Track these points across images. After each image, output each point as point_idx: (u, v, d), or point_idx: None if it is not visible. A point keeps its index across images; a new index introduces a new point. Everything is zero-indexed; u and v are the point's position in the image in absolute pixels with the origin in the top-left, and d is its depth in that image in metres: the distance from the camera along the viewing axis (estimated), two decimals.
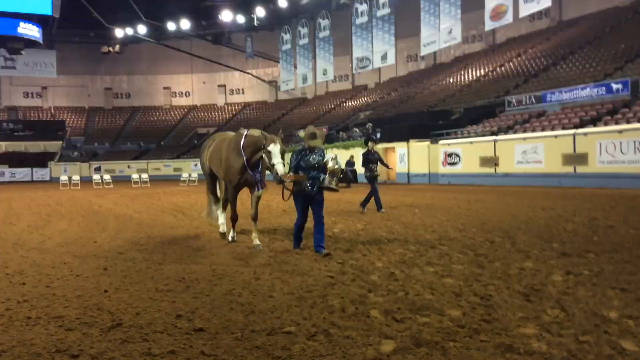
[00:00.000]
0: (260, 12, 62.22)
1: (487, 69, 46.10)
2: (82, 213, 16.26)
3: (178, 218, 14.03)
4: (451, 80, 48.52)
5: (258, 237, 8.68)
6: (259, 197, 8.72)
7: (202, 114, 72.73)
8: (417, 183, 32.68)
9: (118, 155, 62.05)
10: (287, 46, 61.01)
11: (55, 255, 8.49)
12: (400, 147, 34.72)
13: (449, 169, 31.24)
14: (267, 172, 8.31)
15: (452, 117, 37.92)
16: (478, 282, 5.88)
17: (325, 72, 55.92)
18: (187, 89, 74.78)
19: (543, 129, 27.90)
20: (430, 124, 35.74)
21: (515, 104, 33.67)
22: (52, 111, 71.29)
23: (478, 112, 36.38)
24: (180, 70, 73.59)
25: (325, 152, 8.14)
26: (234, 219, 9.12)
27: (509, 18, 36.70)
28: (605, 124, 24.84)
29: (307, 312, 4.84)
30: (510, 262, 6.94)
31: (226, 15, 63.91)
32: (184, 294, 5.71)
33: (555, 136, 25.35)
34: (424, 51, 46.29)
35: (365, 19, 50.47)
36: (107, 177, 41.34)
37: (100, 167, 57.12)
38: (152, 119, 72.69)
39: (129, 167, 57.65)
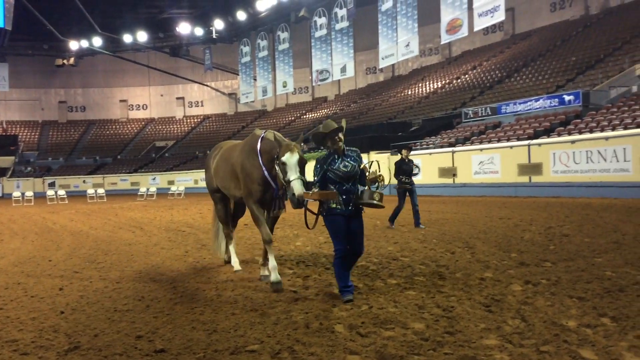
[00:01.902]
0: (218, 24, 61.96)
1: (444, 81, 46.99)
2: (36, 230, 15.76)
3: (136, 234, 13.74)
4: (409, 92, 49.27)
5: (277, 269, 6.55)
6: (276, 218, 7.12)
7: (160, 126, 71.72)
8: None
9: (73, 170, 60.55)
10: (247, 58, 60.85)
11: (8, 275, 8.18)
12: None
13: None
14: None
15: (411, 129, 38.49)
16: (440, 293, 5.93)
17: (285, 85, 55.97)
18: (144, 101, 73.66)
19: (499, 140, 28.54)
20: (390, 135, 36.16)
21: (472, 116, 34.37)
22: (4, 125, 69.09)
23: (436, 123, 37.01)
24: (137, 82, 72.51)
25: (360, 154, 5.86)
26: (267, 241, 6.69)
27: (464, 31, 37.53)
28: (558, 134, 25.58)
29: (271, 329, 4.79)
30: (471, 272, 7.03)
31: (184, 28, 63.39)
32: (144, 313, 5.58)
33: (511, 147, 25.95)
34: (382, 64, 46.86)
35: (324, 32, 50.83)
36: (61, 192, 40.23)
37: (54, 182, 55.57)
38: (108, 132, 71.26)
39: (84, 182, 56.30)
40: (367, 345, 4.27)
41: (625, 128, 22.23)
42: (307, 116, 59.29)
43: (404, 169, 12.71)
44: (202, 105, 72.90)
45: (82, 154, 66.05)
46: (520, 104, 31.49)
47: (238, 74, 63.70)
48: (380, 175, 5.68)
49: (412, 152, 13.82)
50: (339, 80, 56.11)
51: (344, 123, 5.76)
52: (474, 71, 45.66)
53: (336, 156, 5.70)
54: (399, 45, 42.95)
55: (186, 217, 19.15)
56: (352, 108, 54.22)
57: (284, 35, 55.54)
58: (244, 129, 64.53)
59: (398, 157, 13.19)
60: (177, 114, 73.14)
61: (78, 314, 5.67)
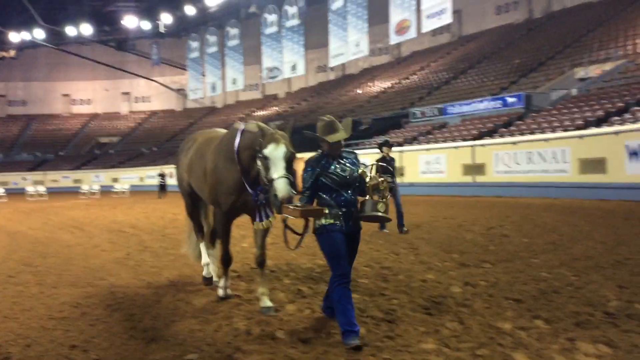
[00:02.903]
0: (166, 18, 60.79)
1: (393, 81, 47.57)
2: None
3: (76, 235, 13.32)
4: (360, 92, 49.67)
5: (268, 294, 5.62)
6: (265, 231, 5.69)
7: (105, 122, 69.81)
8: None
9: (12, 167, 58.20)
10: (196, 54, 59.92)
11: None
12: None
13: None
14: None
15: (361, 128, 38.78)
16: (382, 296, 5.99)
17: (235, 81, 55.45)
18: (88, 96, 71.47)
19: (445, 140, 29.11)
20: None
21: (420, 116, 34.97)
22: None
23: (385, 123, 37.45)
24: (81, 76, 70.22)
25: (357, 157, 5.04)
26: (225, 261, 5.95)
27: (412, 33, 38.11)
28: (501, 135, 26.31)
29: (211, 337, 4.72)
30: (414, 274, 7.13)
31: (130, 21, 61.89)
32: (80, 321, 5.40)
33: (456, 147, 26.52)
34: (332, 62, 47.06)
35: (274, 29, 50.61)
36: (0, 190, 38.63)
37: None
38: (49, 127, 68.81)
39: (24, 179, 54.20)
40: (308, 352, 4.26)
41: (565, 130, 23.05)
42: (258, 114, 58.93)
43: (386, 168, 12.17)
44: (149, 101, 71.36)
45: (22, 150, 63.60)
46: (465, 105, 32.24)
47: (187, 70, 62.70)
48: (382, 181, 4.67)
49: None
50: (289, 78, 55.97)
51: (347, 123, 4.87)
52: (422, 72, 46.43)
53: (330, 158, 4.70)
54: (349, 45, 43.20)
55: (130, 217, 18.71)
56: (303, 106, 54.23)
57: (234, 31, 55.00)
58: (193, 125, 63.57)
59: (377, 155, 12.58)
60: (123, 109, 71.35)
61: (10, 322, 5.44)
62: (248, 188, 5.48)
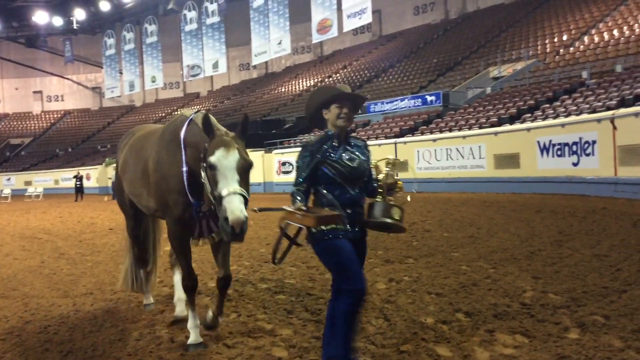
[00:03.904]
0: (80, 14, 58.26)
1: (316, 80, 47.88)
2: None
3: None
4: (283, 90, 49.67)
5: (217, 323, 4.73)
6: (228, 245, 4.65)
7: (15, 122, 66.11)
8: (252, 192, 32.78)
9: None
10: (112, 51, 57.79)
11: None
12: None
13: (283, 178, 31.80)
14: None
15: (285, 127, 38.77)
16: (309, 296, 5.99)
17: (154, 79, 53.93)
18: None
19: (368, 138, 29.60)
20: (264, 133, 36.20)
21: None
22: None
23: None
24: None
25: (368, 147, 3.91)
26: (189, 287, 4.59)
27: (334, 32, 38.48)
28: (422, 133, 27.08)
29: (133, 347, 4.54)
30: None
31: (41, 17, 58.84)
32: None
33: (379, 145, 27.00)
34: (255, 61, 46.75)
35: (194, 26, 49.63)
36: None
37: None
38: None
39: None
40: (234, 357, 4.18)
41: (481, 127, 24.02)
42: (179, 112, 57.70)
43: None
44: (62, 100, 68.19)
45: None
46: (387, 103, 32.94)
47: (102, 67, 60.39)
48: (394, 178, 3.70)
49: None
50: (211, 76, 55.15)
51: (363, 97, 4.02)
52: (345, 70, 47.05)
53: (335, 143, 3.68)
54: (271, 43, 43.06)
55: (44, 222, 17.79)
56: (226, 105, 53.59)
57: (152, 27, 53.47)
58: (110, 125, 61.42)
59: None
60: (35, 109, 67.82)
61: None
62: (189, 195, 4.29)
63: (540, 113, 22.81)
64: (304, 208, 3.39)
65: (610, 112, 17.43)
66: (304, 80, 49.34)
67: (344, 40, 50.44)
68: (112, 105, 65.69)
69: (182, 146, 4.31)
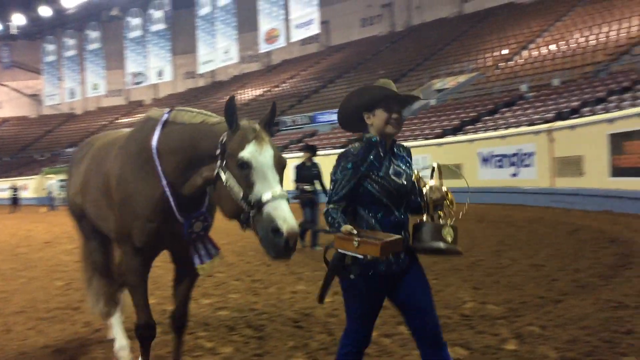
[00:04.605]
0: (19, 19, 56.21)
1: (264, 89, 47.76)
2: None
3: None
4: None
5: None
6: (194, 279, 4.05)
7: None
8: None
9: None
10: (52, 57, 56.02)
11: None
12: None
13: None
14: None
15: None
16: (252, 311, 5.90)
17: (96, 87, 52.60)
18: None
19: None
20: None
21: (290, 124, 35.39)
22: None
23: None
24: None
25: (411, 153, 3.30)
26: (144, 335, 3.85)
27: (282, 42, 38.60)
28: None
29: None
30: (284, 285, 7.12)
31: None
32: None
33: (327, 155, 27.11)
34: (201, 69, 46.27)
35: (139, 32, 48.74)
36: None
37: None
38: None
39: None
40: None
41: (426, 138, 24.47)
42: (122, 121, 56.37)
43: (304, 175, 10.55)
44: None
45: None
46: (334, 113, 33.09)
47: (42, 74, 58.35)
48: (447, 191, 3.06)
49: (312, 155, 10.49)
50: (156, 84, 54.16)
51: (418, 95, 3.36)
52: (293, 80, 47.11)
53: (381, 152, 3.04)
54: (218, 51, 42.76)
55: None
56: None
57: (94, 34, 52.19)
58: (49, 133, 59.32)
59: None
60: None
61: None
62: (176, 213, 3.49)
63: (482, 125, 23.45)
64: (355, 232, 2.74)
65: (547, 125, 18.09)
66: (252, 89, 49.12)
67: (292, 50, 50.55)
68: (52, 113, 63.45)
69: (155, 157, 3.46)
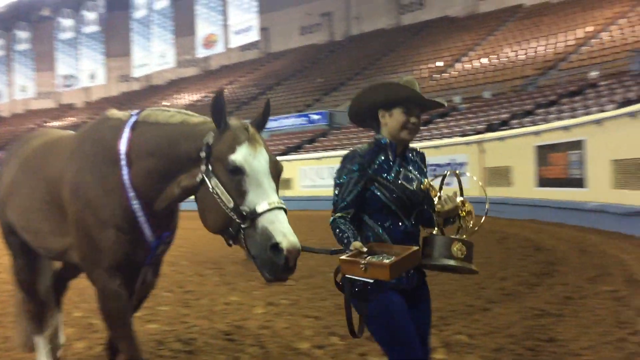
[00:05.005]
0: None
1: (202, 94, 47.11)
2: None
3: None
4: (167, 104, 48.26)
5: None
6: (145, 295, 3.68)
7: None
8: None
9: None
10: None
11: None
12: None
13: None
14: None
15: None
16: (183, 324, 5.76)
17: (24, 89, 50.41)
18: None
19: None
20: None
21: None
22: None
23: None
24: None
25: (425, 158, 3.03)
26: None
27: (220, 47, 38.22)
28: (306, 151, 27.47)
29: None
30: (217, 297, 7.00)
31: None
32: None
33: None
34: (136, 72, 45.20)
35: (71, 34, 47.13)
36: None
37: None
38: None
39: None
40: None
41: None
42: (52, 124, 54.19)
43: None
44: None
45: None
46: (273, 120, 33.04)
47: None
48: (463, 201, 2.72)
49: None
50: (89, 87, 52.45)
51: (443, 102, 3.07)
52: (231, 86, 46.70)
53: (390, 156, 2.79)
54: (154, 55, 41.91)
55: None
56: None
57: (23, 34, 50.04)
58: None
59: None
60: None
61: None
62: (146, 230, 3.00)
63: (417, 135, 23.98)
64: (364, 250, 2.48)
65: (478, 136, 18.71)
66: (189, 94, 48.33)
67: (231, 55, 50.14)
68: None
69: (124, 162, 2.97)
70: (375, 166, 2.72)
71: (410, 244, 2.66)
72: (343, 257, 2.49)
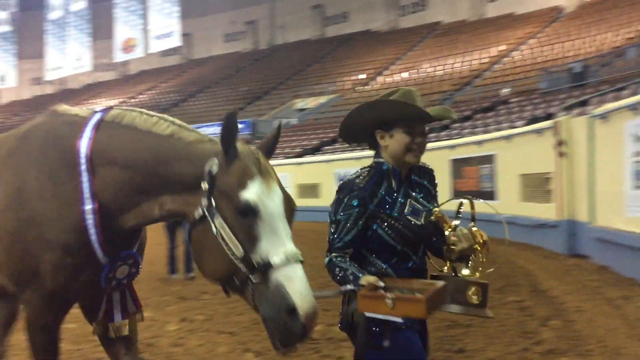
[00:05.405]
0: None
1: (120, 99, 45.64)
2: None
3: None
4: (83, 108, 46.48)
5: None
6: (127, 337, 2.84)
7: None
8: None
9: None
10: None
11: None
12: None
13: None
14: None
15: None
16: (90, 342, 5.49)
17: None
18: None
19: None
20: None
21: None
22: None
23: None
24: None
25: (434, 177, 2.66)
26: None
27: (140, 52, 37.23)
28: None
29: None
30: None
31: None
32: None
33: None
34: (50, 75, 43.24)
35: None
36: None
37: None
38: None
39: None
40: None
41: (286, 157, 24.81)
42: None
43: None
44: None
45: None
46: (194, 128, 32.49)
47: None
48: (479, 234, 2.36)
49: None
50: None
51: (453, 114, 2.66)
52: (151, 91, 45.57)
53: (394, 184, 2.43)
54: (69, 58, 40.25)
55: None
56: (15, 121, 48.40)
57: None
58: None
59: None
60: None
61: None
62: (98, 250, 2.46)
63: (339, 146, 24.30)
64: (381, 284, 2.12)
65: None
66: (107, 99, 46.68)
67: (151, 60, 48.93)
68: None
69: (83, 168, 2.41)
70: (377, 200, 2.36)
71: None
72: (363, 292, 2.13)
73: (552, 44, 27.87)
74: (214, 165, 2.24)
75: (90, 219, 2.40)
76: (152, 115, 2.52)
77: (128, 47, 37.04)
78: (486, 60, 29.37)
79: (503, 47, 30.16)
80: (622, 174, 8.28)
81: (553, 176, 10.84)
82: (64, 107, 2.74)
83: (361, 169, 2.46)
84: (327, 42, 44.09)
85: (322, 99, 33.13)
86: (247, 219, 2.14)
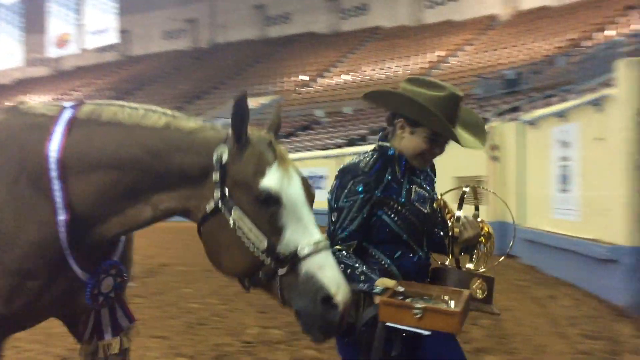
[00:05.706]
0: None
1: (53, 96, 43.95)
2: None
3: None
4: (12, 105, 44.49)
5: None
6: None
7: None
8: None
9: None
10: None
11: None
12: None
13: None
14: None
15: None
16: (14, 348, 5.24)
17: None
18: None
19: None
20: None
21: None
22: None
23: None
24: None
25: (434, 167, 2.55)
26: None
27: (74, 48, 35.99)
28: None
29: None
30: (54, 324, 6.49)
31: None
32: None
33: None
34: None
35: None
36: None
37: None
38: None
39: None
40: None
41: None
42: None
43: None
44: None
45: None
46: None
47: None
48: (484, 225, 2.39)
49: None
50: None
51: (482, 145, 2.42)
52: (87, 89, 44.13)
53: (398, 171, 2.28)
54: (0, 52, 38.41)
55: None
56: None
57: None
58: None
59: None
60: None
61: None
62: (72, 263, 2.15)
63: (290, 146, 24.30)
64: (401, 289, 1.99)
65: (338, 150, 19.33)
66: (39, 95, 44.84)
67: (87, 56, 47.36)
68: None
69: (54, 175, 2.08)
70: (384, 185, 2.21)
71: (423, 278, 2.25)
72: (385, 299, 1.95)
73: (487, 51, 28.82)
74: (223, 152, 2.05)
75: (63, 233, 2.09)
76: (137, 108, 2.21)
77: (62, 42, 35.76)
78: (425, 65, 30.04)
79: (442, 53, 30.94)
80: (549, 178, 8.65)
81: (486, 179, 11.19)
82: (27, 105, 2.36)
83: (362, 153, 2.32)
84: (268, 42, 43.96)
85: (264, 100, 32.97)
86: (268, 208, 1.99)
